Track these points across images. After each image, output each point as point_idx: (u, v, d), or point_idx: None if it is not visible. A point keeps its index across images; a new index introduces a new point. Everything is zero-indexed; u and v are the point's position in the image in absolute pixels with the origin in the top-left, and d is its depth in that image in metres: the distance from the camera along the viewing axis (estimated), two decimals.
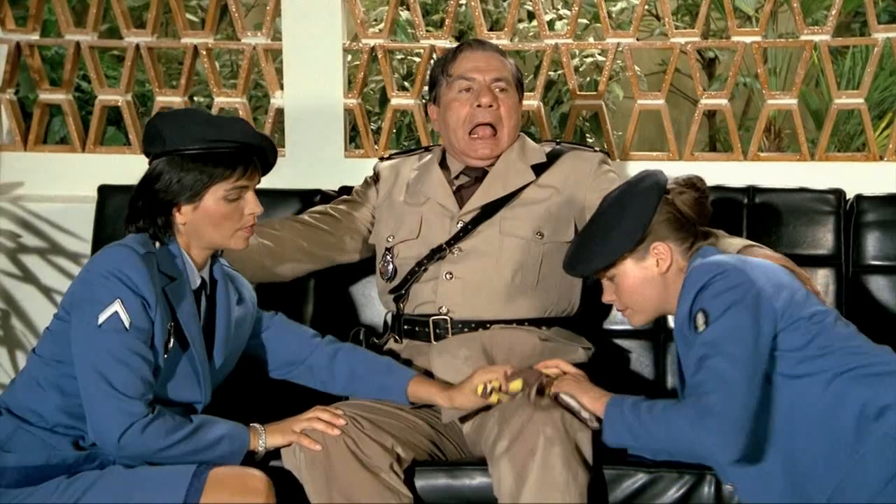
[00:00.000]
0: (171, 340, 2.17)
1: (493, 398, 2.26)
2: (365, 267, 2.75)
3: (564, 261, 2.31)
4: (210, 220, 2.20)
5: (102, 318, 2.10)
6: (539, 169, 2.61)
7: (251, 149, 2.22)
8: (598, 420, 2.18)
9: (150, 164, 2.22)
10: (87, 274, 2.17)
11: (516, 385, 2.24)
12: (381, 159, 2.81)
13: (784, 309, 2.07)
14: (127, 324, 2.10)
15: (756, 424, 2.05)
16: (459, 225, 2.57)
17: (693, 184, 2.24)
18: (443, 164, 2.67)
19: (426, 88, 2.76)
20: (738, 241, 2.37)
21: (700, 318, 2.07)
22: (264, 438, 2.24)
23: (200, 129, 2.18)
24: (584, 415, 2.21)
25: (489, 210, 2.57)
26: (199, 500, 2.10)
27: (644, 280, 2.20)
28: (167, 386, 2.20)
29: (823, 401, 2.04)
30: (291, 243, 2.62)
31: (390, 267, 2.60)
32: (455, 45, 2.79)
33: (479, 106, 2.56)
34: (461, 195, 2.61)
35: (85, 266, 2.20)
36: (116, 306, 2.10)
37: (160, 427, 2.11)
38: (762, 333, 2.05)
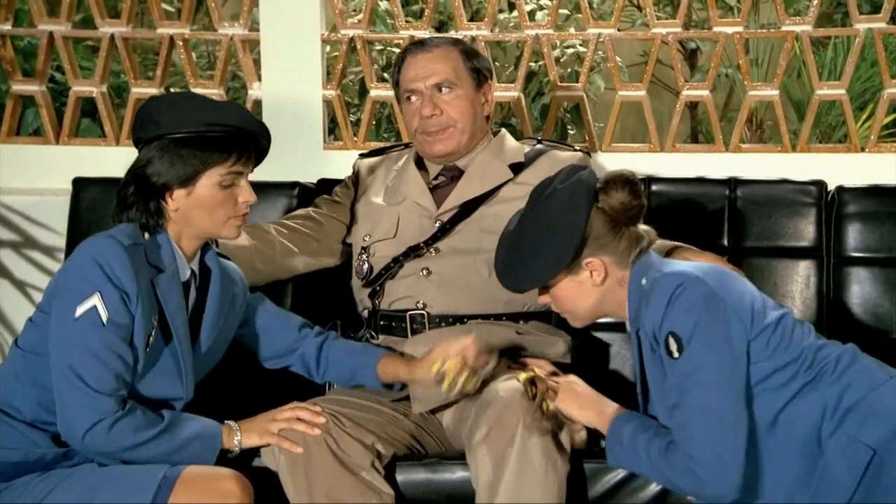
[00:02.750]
0: (154, 334, 2.13)
1: (444, 384, 2.21)
2: (344, 262, 2.72)
3: (497, 270, 2.23)
4: (203, 207, 2.15)
5: (80, 310, 2.06)
6: (517, 168, 2.60)
7: (248, 135, 2.18)
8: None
9: (140, 151, 2.17)
10: (69, 264, 2.13)
11: (524, 377, 2.21)
12: (362, 155, 2.79)
13: (750, 317, 2.03)
14: (104, 318, 2.06)
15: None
16: (437, 224, 2.55)
17: (625, 178, 2.11)
18: (420, 164, 2.66)
19: None
20: (667, 244, 2.35)
21: (673, 344, 2.02)
22: (240, 437, 2.20)
23: (198, 112, 2.14)
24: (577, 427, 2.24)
25: (467, 209, 2.55)
26: (168, 501, 2.05)
27: (580, 292, 2.15)
28: (148, 380, 2.15)
29: (790, 409, 2.01)
30: (282, 247, 2.61)
31: (365, 266, 2.59)
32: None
33: (422, 117, 2.55)
34: (438, 195, 2.60)
35: (69, 256, 2.15)
36: (95, 300, 2.06)
37: (128, 425, 2.07)
38: (735, 347, 2.01)
